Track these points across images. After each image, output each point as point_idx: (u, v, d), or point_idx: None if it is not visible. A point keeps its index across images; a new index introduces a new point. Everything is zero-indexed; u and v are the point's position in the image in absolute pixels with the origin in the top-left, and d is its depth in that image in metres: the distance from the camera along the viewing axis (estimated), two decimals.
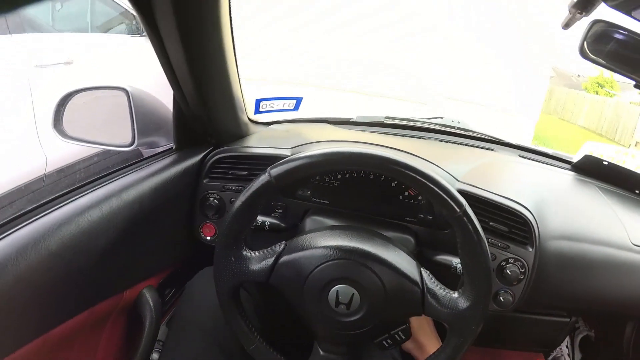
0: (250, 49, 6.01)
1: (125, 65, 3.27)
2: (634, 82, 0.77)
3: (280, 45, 6.16)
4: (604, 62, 0.76)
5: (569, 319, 1.25)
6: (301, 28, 6.13)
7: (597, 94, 16.02)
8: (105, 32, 3.45)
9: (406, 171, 0.70)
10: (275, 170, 0.73)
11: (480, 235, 0.71)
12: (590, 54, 0.75)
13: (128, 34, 3.43)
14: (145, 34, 3.03)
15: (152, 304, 0.99)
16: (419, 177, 0.70)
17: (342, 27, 6.08)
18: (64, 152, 2.74)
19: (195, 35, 0.83)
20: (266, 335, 0.83)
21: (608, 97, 13.94)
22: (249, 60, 5.92)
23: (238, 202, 0.75)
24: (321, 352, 0.80)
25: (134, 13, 3.29)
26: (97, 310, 0.88)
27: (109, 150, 2.58)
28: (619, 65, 0.76)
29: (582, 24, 0.73)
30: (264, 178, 0.74)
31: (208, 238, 1.05)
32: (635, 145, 10.84)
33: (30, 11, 2.70)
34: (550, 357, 1.49)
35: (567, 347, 1.51)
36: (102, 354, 0.97)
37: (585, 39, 0.74)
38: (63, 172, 2.77)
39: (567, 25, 0.73)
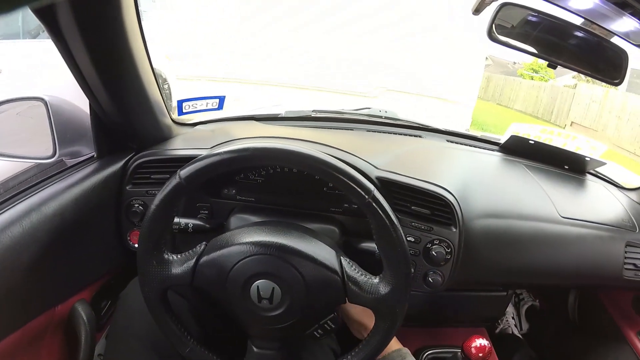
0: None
1: (57, 71, 3.11)
2: (547, 62, 0.80)
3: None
4: (513, 43, 0.78)
5: (505, 293, 1.30)
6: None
7: (532, 79, 16.76)
8: (35, 36, 3.29)
9: (311, 162, 0.71)
10: (184, 172, 0.72)
11: (392, 219, 0.72)
12: (498, 37, 0.77)
13: None
14: None
15: (85, 318, 0.96)
16: (324, 167, 0.71)
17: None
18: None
19: (100, 40, 0.80)
20: (205, 337, 0.82)
21: (543, 82, 14.60)
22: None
23: (152, 207, 0.74)
24: (255, 350, 0.80)
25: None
26: (30, 328, 0.85)
27: (30, 164, 2.46)
28: (530, 46, 0.79)
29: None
30: (174, 181, 0.73)
31: (137, 245, 1.01)
32: (571, 125, 11.45)
33: None
34: (498, 329, 1.54)
35: (513, 318, 1.57)
36: None
37: (493, 22, 0.75)
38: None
39: (477, 11, 0.74)
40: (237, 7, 6.11)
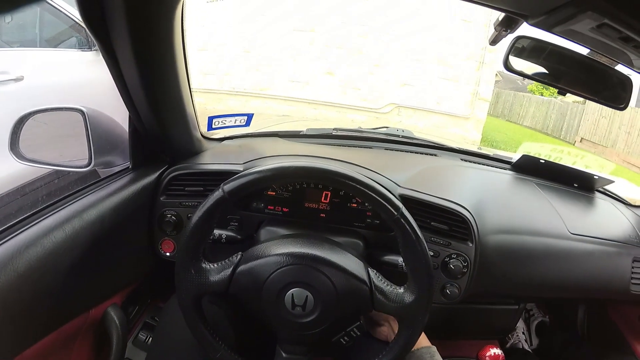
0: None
1: (76, 81, 3.16)
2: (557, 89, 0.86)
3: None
4: (526, 72, 0.84)
5: (517, 306, 1.33)
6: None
7: (542, 95, 16.69)
8: (56, 45, 3.32)
9: (346, 181, 0.77)
10: (228, 186, 0.77)
11: (418, 234, 0.78)
12: (514, 67, 0.83)
13: (78, 48, 3.30)
14: (96, 48, 2.89)
15: (117, 322, 1.00)
16: (358, 186, 0.77)
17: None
18: (16, 172, 2.60)
19: (150, 59, 0.85)
20: (235, 344, 0.86)
21: (553, 98, 14.55)
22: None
23: (195, 218, 0.78)
24: (284, 355, 0.84)
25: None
26: (65, 330, 0.88)
27: (65, 172, 2.48)
28: (542, 75, 0.85)
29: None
30: (218, 194, 0.78)
31: (167, 254, 1.06)
32: (581, 142, 11.39)
33: None
34: (509, 344, 1.57)
35: (523, 333, 1.60)
36: None
37: (509, 53, 0.82)
38: (12, 195, 2.65)
39: (494, 42, 0.80)
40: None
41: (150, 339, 1.20)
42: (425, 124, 6.31)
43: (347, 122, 6.37)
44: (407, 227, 0.77)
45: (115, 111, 1.13)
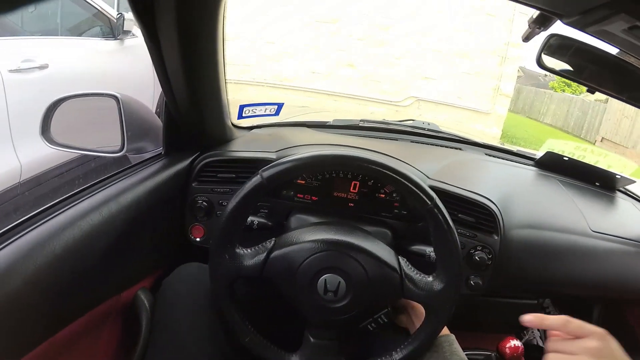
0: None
1: (100, 68, 3.19)
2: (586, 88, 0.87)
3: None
4: (559, 71, 0.85)
5: (536, 301, 1.34)
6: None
7: (563, 92, 16.41)
8: (79, 34, 3.34)
9: (383, 170, 0.79)
10: (266, 173, 0.80)
11: (450, 224, 0.80)
12: (546, 64, 0.84)
13: (102, 37, 3.33)
14: (119, 37, 2.94)
15: (147, 305, 1.02)
16: (394, 175, 0.79)
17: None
18: (38, 158, 2.64)
19: (192, 45, 0.87)
20: (270, 331, 0.89)
21: (575, 95, 14.29)
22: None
23: (232, 203, 0.81)
24: (312, 339, 0.87)
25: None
26: (97, 312, 0.91)
27: (97, 157, 2.53)
28: (573, 74, 0.85)
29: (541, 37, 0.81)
30: (256, 180, 0.80)
31: (197, 239, 1.09)
32: (601, 141, 11.20)
33: None
34: (524, 340, 1.58)
35: (539, 330, 1.61)
36: (102, 356, 1.00)
37: (542, 50, 0.83)
38: (39, 180, 2.70)
39: (527, 39, 0.81)
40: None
41: None
42: (445, 118, 6.27)
43: (367, 114, 6.36)
44: (440, 217, 0.79)
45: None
